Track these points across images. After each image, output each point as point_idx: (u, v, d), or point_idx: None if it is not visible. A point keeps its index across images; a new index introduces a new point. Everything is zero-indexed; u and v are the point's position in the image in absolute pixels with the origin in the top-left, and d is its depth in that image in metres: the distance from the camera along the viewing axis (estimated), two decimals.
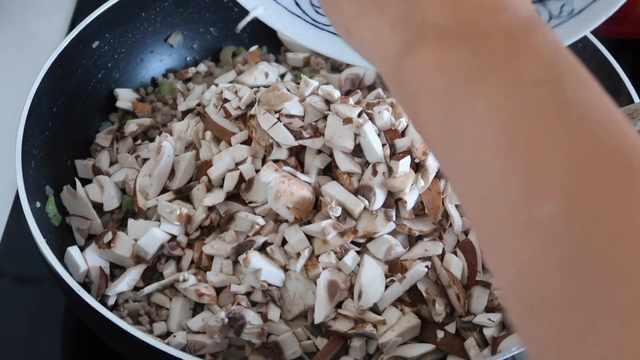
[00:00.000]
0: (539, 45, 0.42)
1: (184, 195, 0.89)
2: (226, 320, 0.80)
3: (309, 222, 0.85)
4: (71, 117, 0.98)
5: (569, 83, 0.40)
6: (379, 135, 0.85)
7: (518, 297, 0.38)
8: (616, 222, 0.35)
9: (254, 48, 1.10)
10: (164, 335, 0.84)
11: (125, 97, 1.04)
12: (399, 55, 0.45)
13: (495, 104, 0.40)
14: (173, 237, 0.87)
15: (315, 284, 0.82)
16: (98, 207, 0.93)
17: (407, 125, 0.87)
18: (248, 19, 0.60)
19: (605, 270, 0.34)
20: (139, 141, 1.00)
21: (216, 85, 1.02)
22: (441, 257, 0.85)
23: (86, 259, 0.86)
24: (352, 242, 0.84)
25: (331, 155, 0.86)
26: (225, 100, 0.93)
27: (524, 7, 0.44)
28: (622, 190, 0.36)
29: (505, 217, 0.39)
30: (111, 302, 0.85)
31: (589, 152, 0.37)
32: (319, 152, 0.87)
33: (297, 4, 0.61)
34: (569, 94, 0.40)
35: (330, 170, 0.87)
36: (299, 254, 0.84)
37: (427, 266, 0.83)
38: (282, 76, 1.05)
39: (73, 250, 0.85)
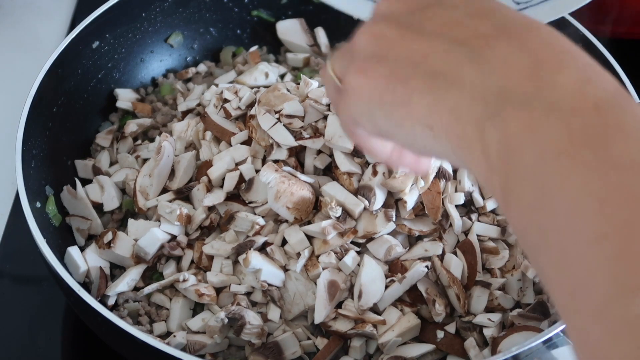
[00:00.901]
0: (631, 124, 0.39)
1: (184, 195, 0.89)
2: (226, 320, 0.80)
3: (309, 222, 0.85)
4: (71, 117, 0.98)
5: None
6: None
7: None
8: None
9: (254, 48, 1.10)
10: (164, 335, 0.84)
11: (125, 97, 1.04)
12: (482, 130, 0.41)
13: (588, 187, 0.38)
14: (173, 237, 0.87)
15: (315, 284, 0.82)
16: (98, 207, 0.93)
17: None
18: None
19: None
20: (139, 141, 1.00)
21: (216, 85, 1.02)
22: (441, 257, 0.85)
23: (86, 259, 0.86)
24: (352, 242, 0.84)
25: (331, 155, 0.86)
26: (226, 101, 0.93)
27: (607, 77, 0.41)
28: None
29: (597, 311, 0.37)
30: (111, 302, 0.85)
31: None
32: (319, 152, 0.87)
33: None
34: None
35: (330, 170, 0.87)
36: (299, 254, 0.83)
37: (427, 266, 0.83)
38: (282, 76, 1.05)
39: (73, 250, 0.85)
